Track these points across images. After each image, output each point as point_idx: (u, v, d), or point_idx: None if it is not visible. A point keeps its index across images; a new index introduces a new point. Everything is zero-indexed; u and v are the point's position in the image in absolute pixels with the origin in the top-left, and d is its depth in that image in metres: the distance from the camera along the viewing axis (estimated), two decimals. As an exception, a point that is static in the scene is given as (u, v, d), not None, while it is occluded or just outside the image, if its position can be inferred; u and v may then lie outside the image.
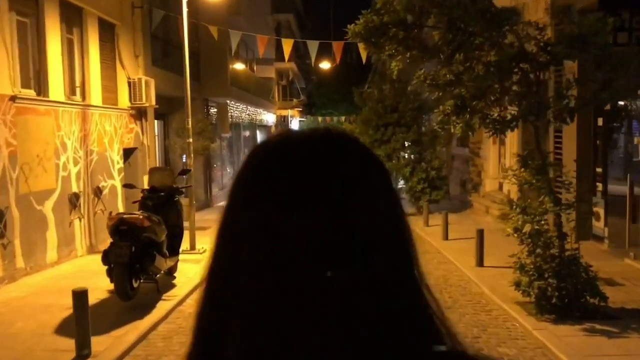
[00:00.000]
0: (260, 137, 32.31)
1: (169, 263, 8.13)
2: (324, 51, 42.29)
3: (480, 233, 9.44)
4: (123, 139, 12.45)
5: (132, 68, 12.91)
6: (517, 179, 6.80)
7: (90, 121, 10.88)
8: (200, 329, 0.66)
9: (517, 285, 6.86)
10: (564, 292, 6.57)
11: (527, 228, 6.53)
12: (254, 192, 0.62)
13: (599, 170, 10.80)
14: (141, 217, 7.16)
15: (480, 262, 9.44)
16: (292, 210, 0.58)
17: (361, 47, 14.24)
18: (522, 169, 6.75)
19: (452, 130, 7.18)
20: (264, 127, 32.40)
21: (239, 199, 0.65)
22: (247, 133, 27.13)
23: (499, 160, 15.83)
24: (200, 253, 10.70)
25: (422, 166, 15.71)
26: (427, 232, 13.46)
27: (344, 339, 0.57)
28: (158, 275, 7.71)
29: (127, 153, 13.01)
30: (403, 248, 0.63)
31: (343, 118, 33.57)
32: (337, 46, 13.75)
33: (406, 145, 16.30)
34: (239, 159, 24.42)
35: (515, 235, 6.92)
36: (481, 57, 6.84)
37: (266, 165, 0.63)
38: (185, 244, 10.78)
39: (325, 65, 35.91)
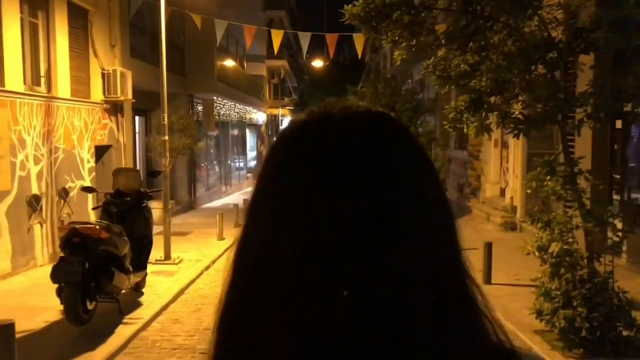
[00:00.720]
0: (250, 136, 31.13)
1: (134, 279, 6.99)
2: (317, 48, 41.18)
3: (489, 247, 8.35)
4: (95, 136, 11.28)
5: (107, 59, 11.74)
6: (540, 188, 5.69)
7: (56, 115, 9.70)
8: (230, 323, 0.59)
9: (539, 313, 5.78)
10: (595, 323, 5.50)
11: (555, 247, 5.44)
12: (295, 176, 0.56)
13: (616, 177, 9.76)
14: (97, 227, 6.01)
15: (487, 279, 8.36)
16: (335, 194, 0.54)
17: (357, 40, 13.14)
18: (548, 177, 5.65)
19: (465, 130, 6.07)
20: (254, 125, 31.24)
21: (277, 182, 0.58)
22: (236, 132, 25.96)
23: (500, 164, 14.77)
24: (176, 263, 9.55)
25: (419, 169, 14.62)
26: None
27: (396, 329, 0.53)
28: (120, 294, 6.58)
29: (101, 151, 11.83)
30: (450, 236, 0.61)
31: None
32: (330, 39, 12.65)
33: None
34: (227, 159, 23.25)
35: (537, 254, 5.84)
36: (499, 45, 5.76)
37: (307, 149, 0.57)
38: (158, 253, 9.65)
39: (317, 63, 34.82)
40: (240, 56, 26.19)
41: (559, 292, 5.51)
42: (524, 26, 5.71)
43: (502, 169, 14.68)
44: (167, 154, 9.97)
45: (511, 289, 8.13)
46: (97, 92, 11.39)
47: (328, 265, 0.53)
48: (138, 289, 7.58)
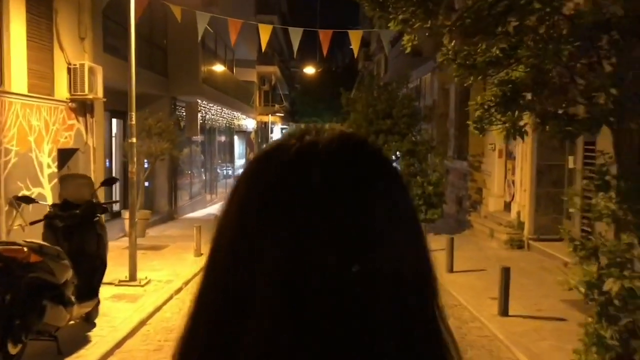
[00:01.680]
0: (238, 143, 29.77)
1: (80, 311, 5.62)
2: (308, 54, 40.00)
3: (506, 273, 7.04)
4: (58, 138, 9.89)
5: (75, 52, 10.38)
6: (593, 208, 4.39)
7: (7, 112, 8.32)
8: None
9: (586, 365, 4.47)
10: (661, 382, 4.22)
11: (613, 286, 4.14)
12: (271, 211, 0.55)
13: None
14: (25, 249, 4.65)
15: (504, 310, 7.05)
16: (312, 233, 0.53)
17: (353, 36, 11.87)
18: (602, 195, 4.36)
19: (493, 132, 4.77)
20: (243, 132, 29.90)
21: (253, 214, 0.56)
22: (223, 138, 24.59)
23: (505, 176, 13.52)
24: (142, 285, 8.16)
25: (418, 180, 13.35)
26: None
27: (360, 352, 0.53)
28: (60, 328, 5.21)
29: (66, 155, 10.45)
30: (425, 279, 0.60)
31: (327, 126, 31.20)
32: (324, 36, 11.40)
33: (399, 155, 13.92)
34: (212, 166, 21.88)
35: (582, 291, 4.54)
36: (537, 27, 4.50)
37: (284, 183, 0.56)
38: (123, 273, 8.28)
39: (309, 69, 33.64)
40: (229, 60, 24.89)
41: (617, 343, 4.21)
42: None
43: (506, 182, 13.43)
44: (135, 159, 8.59)
45: (533, 323, 6.83)
46: (61, 89, 10.02)
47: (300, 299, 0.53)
48: (89, 319, 6.21)
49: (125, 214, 12.67)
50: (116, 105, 13.45)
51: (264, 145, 0.64)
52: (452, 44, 4.74)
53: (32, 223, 5.89)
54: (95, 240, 5.96)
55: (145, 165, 15.70)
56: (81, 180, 6.17)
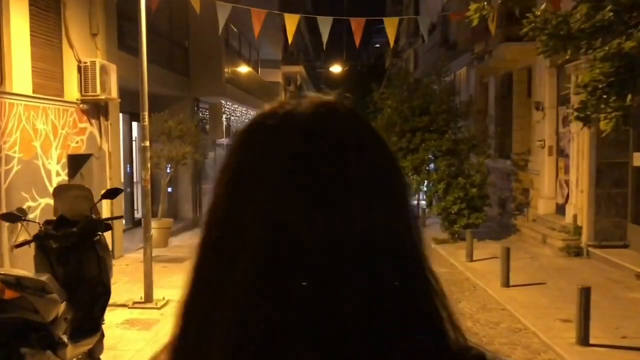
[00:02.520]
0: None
1: (76, 351, 4.61)
2: (335, 53, 38.77)
3: (585, 295, 5.81)
4: (68, 143, 8.97)
5: (86, 50, 9.46)
6: None
7: (8, 115, 7.40)
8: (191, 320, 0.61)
9: None
10: None
11: None
12: (254, 183, 0.57)
13: None
14: (-3, 283, 3.63)
15: (584, 339, 5.83)
16: (295, 206, 0.54)
17: (388, 24, 10.72)
18: None
19: (601, 121, 3.60)
20: (269, 134, 28.93)
21: (238, 190, 0.58)
22: (249, 140, 23.62)
23: (556, 176, 12.21)
24: (159, 307, 7.15)
25: (460, 182, 12.12)
26: (473, 270, 9.84)
27: (351, 338, 0.53)
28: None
29: (78, 161, 9.53)
30: (411, 248, 0.59)
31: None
32: (356, 26, 10.25)
33: (436, 155, 12.70)
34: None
35: None
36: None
37: (267, 148, 0.58)
38: (138, 292, 7.29)
39: (336, 68, 32.52)
40: (253, 61, 23.92)
41: None
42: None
43: (558, 182, 12.11)
44: (148, 165, 7.58)
45: (621, 354, 5.60)
46: (71, 90, 9.10)
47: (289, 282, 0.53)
48: (93, 356, 5.19)
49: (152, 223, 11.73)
50: (136, 107, 12.53)
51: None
52: (542, 7, 3.58)
53: (17, 246, 4.89)
54: (96, 263, 4.94)
55: (168, 170, 14.81)
56: (78, 191, 5.15)
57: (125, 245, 11.36)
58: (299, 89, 33.85)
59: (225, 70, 16.50)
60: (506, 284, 8.40)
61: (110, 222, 5.25)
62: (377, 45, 57.46)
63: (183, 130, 11.65)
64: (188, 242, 12.83)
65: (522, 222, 13.30)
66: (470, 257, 10.42)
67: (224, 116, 16.98)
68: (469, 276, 9.41)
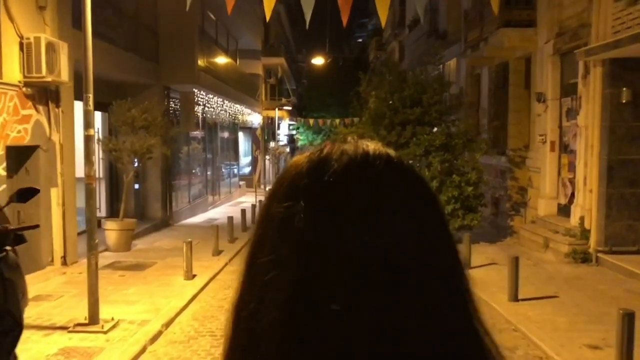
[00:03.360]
0: (243, 139, 27.48)
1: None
2: (318, 46, 37.59)
3: (629, 320, 4.66)
4: (7, 132, 7.62)
5: (30, 24, 8.10)
6: None
7: None
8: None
9: None
10: None
11: None
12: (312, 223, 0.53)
13: None
14: None
15: (626, 376, 4.68)
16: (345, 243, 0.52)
17: (379, 4, 9.48)
18: None
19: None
20: (248, 128, 27.59)
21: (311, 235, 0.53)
22: (226, 134, 22.28)
23: (558, 174, 11.13)
24: (105, 331, 5.84)
25: (454, 179, 10.98)
26: (473, 280, 8.62)
27: None
28: None
29: (21, 154, 8.18)
30: (460, 294, 0.56)
31: (337, 121, 28.88)
32: (344, 3, 8.98)
33: (429, 150, 11.54)
34: (215, 164, 19.62)
35: None
36: None
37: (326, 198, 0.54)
38: (84, 310, 6.02)
39: (318, 60, 31.28)
40: (232, 51, 22.55)
41: None
42: None
43: (560, 180, 11.03)
44: (93, 159, 6.27)
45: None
46: (11, 70, 7.75)
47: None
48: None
49: (107, 224, 10.42)
50: (100, 96, 11.17)
51: (301, 163, 0.57)
52: None
53: None
54: (1, 287, 3.65)
55: (135, 165, 13.45)
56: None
57: (80, 250, 10.03)
58: (280, 82, 32.54)
59: (200, 58, 15.17)
60: (514, 297, 7.26)
61: (22, 233, 3.94)
62: (360, 40, 56.39)
63: (148, 120, 10.32)
64: (155, 245, 11.50)
65: (519, 224, 12.22)
66: (468, 264, 9.27)
67: (198, 107, 15.62)
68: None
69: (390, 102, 11.52)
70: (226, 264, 9.68)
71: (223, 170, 21.56)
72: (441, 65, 17.06)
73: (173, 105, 14.52)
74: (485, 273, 9.02)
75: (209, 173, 18.63)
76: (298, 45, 44.10)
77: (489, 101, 14.53)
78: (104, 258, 9.80)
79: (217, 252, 10.27)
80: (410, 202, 0.55)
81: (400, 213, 0.54)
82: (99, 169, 12.34)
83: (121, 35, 11.69)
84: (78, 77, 9.73)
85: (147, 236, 12.42)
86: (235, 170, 24.18)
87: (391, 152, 0.58)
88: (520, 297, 7.32)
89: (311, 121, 30.80)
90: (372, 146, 0.57)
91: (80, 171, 11.95)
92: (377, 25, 33.91)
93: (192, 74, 13.90)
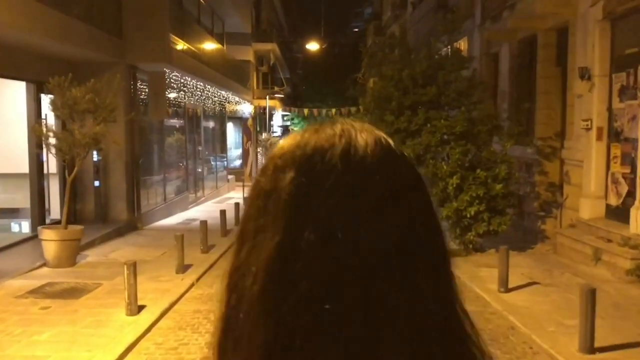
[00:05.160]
0: (233, 130, 25.10)
1: None
2: (313, 35, 35.19)
3: None
4: None
5: None
6: None
7: None
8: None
9: None
10: None
11: None
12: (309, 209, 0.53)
13: None
14: None
15: None
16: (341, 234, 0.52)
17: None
18: None
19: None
20: (239, 119, 25.20)
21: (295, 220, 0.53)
22: (212, 124, 19.89)
23: (607, 168, 8.82)
24: None
25: (479, 175, 8.69)
26: (516, 311, 6.38)
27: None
28: None
29: None
30: (444, 277, 0.56)
31: (334, 111, 26.54)
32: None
33: (446, 140, 9.21)
34: (197, 157, 17.27)
35: None
36: None
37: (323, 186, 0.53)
38: None
39: (313, 45, 28.86)
40: (218, 34, 20.12)
41: None
42: None
43: (610, 176, 8.73)
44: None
45: None
46: None
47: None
48: None
49: (44, 233, 8.10)
50: (44, 74, 8.84)
51: (295, 145, 0.56)
52: None
53: None
54: None
55: (95, 159, 11.11)
56: None
57: (16, 264, 7.82)
58: (272, 69, 30.11)
59: (177, 36, 12.79)
60: (589, 347, 4.94)
61: None
62: (356, 30, 53.90)
63: (95, 103, 7.95)
64: (110, 257, 9.16)
65: (553, 228, 9.94)
66: (504, 286, 6.97)
67: (171, 91, 13.23)
68: (514, 323, 5.96)
69: (399, 80, 9.16)
70: (192, 285, 7.38)
71: (208, 163, 19.20)
72: (449, 48, 14.63)
73: (142, 88, 12.13)
74: (529, 299, 6.73)
75: (190, 167, 16.26)
76: (292, 34, 41.64)
77: (509, 83, 12.19)
78: (36, 278, 7.51)
79: (183, 269, 7.94)
80: (395, 187, 0.54)
81: (383, 196, 0.53)
82: (46, 163, 10.01)
83: (74, 2, 9.32)
84: (19, 54, 7.54)
85: (106, 244, 10.09)
86: (223, 164, 21.81)
87: (380, 134, 0.57)
88: (596, 344, 5.03)
89: (306, 111, 28.41)
90: (360, 127, 0.57)
91: (14, 166, 9.58)
92: (375, 10, 31.49)
93: (163, 51, 11.51)
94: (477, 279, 7.73)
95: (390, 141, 0.57)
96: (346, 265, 0.50)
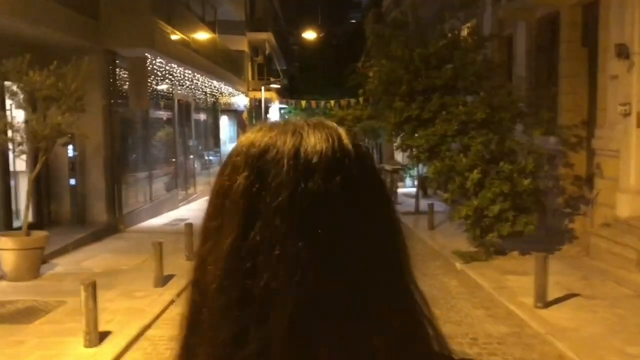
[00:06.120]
0: (227, 124, 23.85)
1: None
2: (310, 18, 33.90)
3: None
4: None
5: None
6: None
7: None
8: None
9: None
10: None
11: None
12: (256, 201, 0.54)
13: None
14: None
15: None
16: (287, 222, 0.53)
17: None
18: None
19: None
20: (233, 111, 23.95)
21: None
22: (204, 117, 18.65)
23: (649, 159, 7.64)
24: None
25: (503, 169, 7.51)
26: (561, 333, 5.21)
27: (331, 340, 0.52)
28: None
29: None
30: (394, 256, 0.58)
31: (332, 102, 25.29)
32: None
33: (463, 129, 8.01)
34: (188, 152, 16.07)
35: None
36: None
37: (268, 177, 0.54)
38: None
39: (310, 34, 27.55)
40: (209, 21, 18.88)
41: None
42: None
43: (654, 168, 7.56)
44: None
45: None
46: None
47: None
48: None
49: (1, 241, 6.91)
50: (4, 54, 7.61)
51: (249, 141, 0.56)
52: None
53: None
54: None
55: (70, 154, 9.92)
56: None
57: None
58: (268, 60, 28.84)
59: (162, 20, 11.57)
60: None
61: None
62: (354, 21, 52.59)
63: (59, 89, 6.73)
64: (82, 265, 7.97)
65: (582, 227, 8.79)
66: (542, 300, 5.80)
67: (156, 78, 11.99)
68: (563, 352, 4.78)
69: (410, 60, 7.95)
70: (172, 302, 6.19)
71: (200, 158, 17.99)
72: (456, 31, 13.38)
73: (123, 76, 10.90)
74: (574, 317, 5.56)
75: (180, 162, 15.04)
76: (289, 25, 40.31)
77: (526, 66, 11.00)
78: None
79: (162, 281, 6.75)
80: (344, 185, 0.54)
81: (331, 194, 0.54)
82: (12, 160, 8.79)
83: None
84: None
85: (81, 250, 8.90)
86: (217, 158, 20.59)
87: (337, 132, 0.57)
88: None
89: (303, 103, 27.13)
90: (315, 125, 0.57)
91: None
92: (374, -2, 30.16)
93: (144, 35, 10.27)
94: (505, 290, 6.58)
95: (346, 139, 0.56)
96: (294, 263, 0.51)
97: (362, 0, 47.97)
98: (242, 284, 0.51)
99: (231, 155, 0.57)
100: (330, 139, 0.55)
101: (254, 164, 0.54)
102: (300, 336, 0.51)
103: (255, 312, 0.51)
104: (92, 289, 4.69)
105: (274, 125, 0.58)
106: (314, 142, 0.55)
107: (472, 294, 6.67)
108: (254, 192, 0.53)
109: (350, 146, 0.56)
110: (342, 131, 0.57)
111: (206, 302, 0.53)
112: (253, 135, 0.57)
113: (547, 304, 5.83)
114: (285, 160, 0.53)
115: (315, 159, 0.54)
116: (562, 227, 9.24)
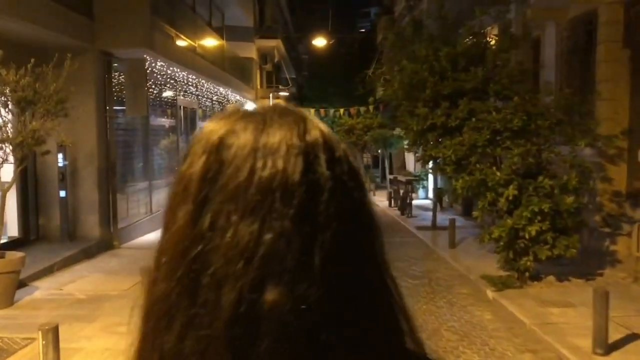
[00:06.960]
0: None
1: None
2: (319, 26, 33.09)
3: None
4: None
5: None
6: None
7: None
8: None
9: None
10: None
11: None
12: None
13: None
14: None
15: None
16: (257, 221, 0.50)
17: None
18: None
19: None
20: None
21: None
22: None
23: None
24: None
25: (542, 184, 6.49)
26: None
27: (304, 335, 0.49)
28: None
29: None
30: (372, 253, 0.55)
31: (342, 111, 24.36)
32: None
33: (495, 140, 6.99)
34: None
35: None
36: None
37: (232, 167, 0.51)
38: None
39: (320, 41, 26.65)
40: (217, 26, 18.01)
41: None
42: None
43: None
44: None
45: None
46: None
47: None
48: None
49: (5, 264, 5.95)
50: (7, 62, 6.71)
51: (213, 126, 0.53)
52: None
53: None
54: None
55: (60, 164, 9.01)
56: None
57: None
58: (277, 68, 27.97)
59: (165, 21, 10.69)
60: None
61: None
62: (363, 30, 51.79)
63: (37, 91, 5.80)
64: (66, 289, 7.00)
65: (627, 249, 7.73)
66: (602, 346, 4.75)
67: (155, 82, 11.08)
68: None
69: (435, 61, 6.96)
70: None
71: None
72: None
73: (120, 80, 9.99)
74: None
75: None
76: (298, 33, 39.56)
77: (557, 70, 9.98)
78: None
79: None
80: (302, 180, 0.51)
81: (285, 188, 0.50)
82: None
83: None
84: None
85: (68, 269, 7.95)
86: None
87: (304, 119, 0.54)
88: None
89: (312, 111, 26.27)
90: (282, 112, 0.55)
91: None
92: (386, 4, 29.28)
93: (143, 35, 9.37)
94: (551, 327, 5.53)
95: (312, 124, 0.54)
96: (246, 251, 0.48)
97: (372, 10, 47.23)
98: (191, 271, 0.48)
99: (193, 142, 0.55)
100: (295, 124, 0.53)
101: (212, 150, 0.52)
102: (244, 325, 0.47)
103: (203, 301, 0.48)
104: (53, 335, 3.71)
105: (237, 112, 0.55)
106: (276, 127, 0.52)
107: (511, 332, 5.63)
108: (210, 178, 0.51)
109: (316, 131, 0.53)
110: (309, 116, 0.55)
111: (158, 292, 0.51)
112: (215, 122, 0.55)
113: (609, 349, 4.79)
114: (243, 145, 0.51)
115: (275, 144, 0.51)
116: (601, 249, 8.18)
